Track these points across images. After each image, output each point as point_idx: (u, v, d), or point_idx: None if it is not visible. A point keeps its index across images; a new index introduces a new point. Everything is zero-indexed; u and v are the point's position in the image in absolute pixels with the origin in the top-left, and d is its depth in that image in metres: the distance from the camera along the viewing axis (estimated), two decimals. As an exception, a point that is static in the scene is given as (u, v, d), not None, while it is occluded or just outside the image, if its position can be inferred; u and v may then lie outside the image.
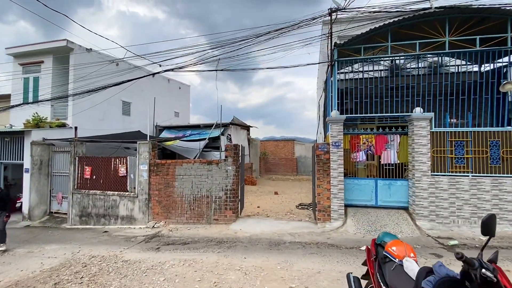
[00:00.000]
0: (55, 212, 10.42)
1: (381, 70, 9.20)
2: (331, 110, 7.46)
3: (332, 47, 7.32)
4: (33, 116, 11.77)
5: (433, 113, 6.72)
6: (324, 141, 8.76)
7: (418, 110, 6.78)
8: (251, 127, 19.47)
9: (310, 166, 26.49)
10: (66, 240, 7.44)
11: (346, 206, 7.30)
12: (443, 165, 6.70)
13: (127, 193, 8.62)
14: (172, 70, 8.20)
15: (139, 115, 15.52)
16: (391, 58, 7.05)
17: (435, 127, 6.79)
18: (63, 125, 11.52)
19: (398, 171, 7.45)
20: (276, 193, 13.82)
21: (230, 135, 15.76)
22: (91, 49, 12.68)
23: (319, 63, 7.49)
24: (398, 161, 7.25)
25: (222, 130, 14.16)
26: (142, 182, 8.41)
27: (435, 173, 6.69)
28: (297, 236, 6.44)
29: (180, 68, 8.04)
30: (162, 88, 18.25)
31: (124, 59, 13.23)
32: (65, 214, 9.74)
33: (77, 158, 9.42)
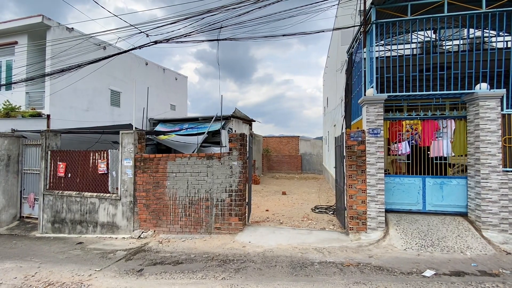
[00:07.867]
0: (27, 217, 8.80)
1: (430, 40, 7.34)
2: (364, 89, 5.85)
3: (362, 9, 5.71)
4: (4, 105, 10.15)
5: (505, 89, 5.10)
6: (343, 133, 7.09)
7: (484, 86, 5.16)
8: (254, 121, 17.79)
9: (315, 164, 24.97)
10: (27, 255, 5.82)
11: (386, 211, 5.69)
12: (519, 159, 5.10)
13: (108, 194, 6.99)
14: (167, 40, 6.54)
15: (130, 106, 13.86)
16: (453, 16, 5.25)
17: (506, 108, 5.19)
18: (38, 115, 9.87)
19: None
20: (284, 193, 12.37)
21: (231, 129, 14.16)
22: (72, 28, 11.00)
23: (353, 26, 5.87)
24: (453, 154, 5.64)
25: (223, 123, 12.54)
26: (126, 181, 6.79)
27: (508, 169, 5.09)
28: (327, 253, 4.84)
29: (173, 38, 6.39)
30: (156, 78, 16.61)
31: (112, 44, 11.65)
32: (37, 219, 8.14)
33: (49, 152, 7.78)
